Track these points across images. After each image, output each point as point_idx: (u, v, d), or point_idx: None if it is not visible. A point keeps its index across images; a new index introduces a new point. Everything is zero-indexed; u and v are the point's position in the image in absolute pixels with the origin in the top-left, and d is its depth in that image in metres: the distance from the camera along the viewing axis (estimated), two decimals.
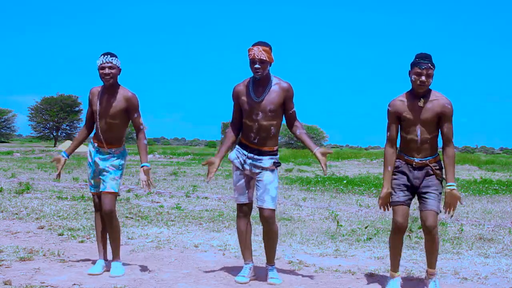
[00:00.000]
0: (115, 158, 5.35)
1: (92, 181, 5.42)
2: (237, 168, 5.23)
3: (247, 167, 5.16)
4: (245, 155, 5.16)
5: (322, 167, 5.15)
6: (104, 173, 5.30)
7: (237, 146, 5.28)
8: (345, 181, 17.97)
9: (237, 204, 5.29)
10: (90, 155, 5.42)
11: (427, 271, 5.00)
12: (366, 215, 9.91)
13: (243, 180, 5.22)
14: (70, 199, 10.81)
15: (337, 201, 12.44)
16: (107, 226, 5.34)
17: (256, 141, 5.13)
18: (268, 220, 5.07)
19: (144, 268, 5.52)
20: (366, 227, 8.31)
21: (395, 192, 4.87)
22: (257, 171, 5.12)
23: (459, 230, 8.15)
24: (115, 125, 5.32)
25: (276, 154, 5.22)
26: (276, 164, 5.15)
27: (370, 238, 7.43)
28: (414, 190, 4.89)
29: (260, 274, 5.33)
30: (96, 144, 5.38)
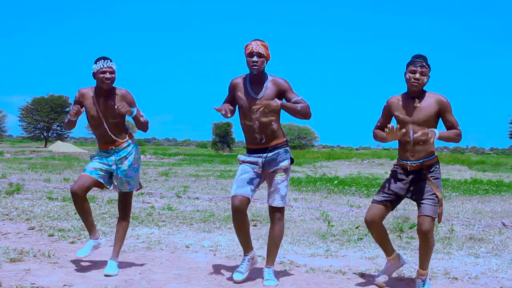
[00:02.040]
0: (133, 152, 5.43)
1: (98, 170, 5.34)
2: (247, 165, 5.15)
3: (260, 166, 5.12)
4: (260, 157, 5.12)
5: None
6: (127, 176, 5.41)
7: (246, 154, 5.22)
8: (336, 182, 18.00)
9: (232, 197, 5.08)
10: (109, 163, 5.39)
11: (418, 271, 5.03)
12: (357, 215, 9.92)
13: (247, 175, 5.10)
14: (60, 200, 10.76)
15: (328, 201, 12.45)
16: (120, 222, 5.52)
17: (264, 140, 5.10)
18: (276, 217, 5.17)
19: (135, 269, 5.51)
20: (357, 227, 8.32)
21: (379, 191, 5.08)
22: (271, 170, 5.10)
23: (450, 230, 8.17)
24: (119, 123, 5.38)
25: (288, 145, 5.22)
26: (291, 161, 5.17)
27: (361, 239, 7.45)
28: (403, 195, 5.00)
29: (258, 277, 5.34)
30: (112, 147, 5.38)
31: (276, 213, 5.16)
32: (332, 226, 8.31)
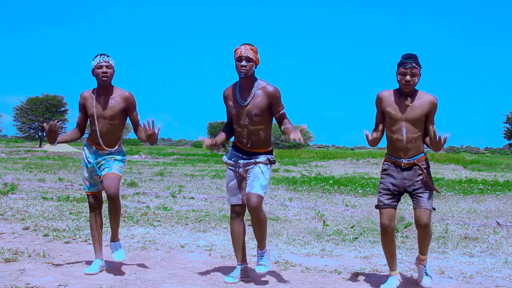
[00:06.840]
0: (115, 155, 5.39)
1: (88, 181, 5.45)
2: (231, 169, 5.24)
3: (241, 165, 5.17)
4: (240, 156, 5.19)
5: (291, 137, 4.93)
6: (106, 163, 5.33)
7: (231, 148, 5.31)
8: (331, 181, 18.01)
9: (230, 205, 5.30)
10: (87, 157, 5.43)
11: (418, 257, 5.09)
12: (352, 215, 9.94)
13: (235, 181, 5.21)
14: (55, 200, 10.75)
15: (323, 201, 12.46)
16: (110, 208, 5.29)
17: (249, 145, 5.16)
18: (254, 206, 4.97)
19: (130, 268, 5.51)
20: (352, 227, 8.33)
21: (381, 195, 4.96)
22: (250, 166, 5.13)
23: (444, 230, 8.18)
24: (114, 126, 5.33)
25: (271, 153, 5.24)
26: (271, 160, 5.18)
27: (356, 238, 7.45)
28: (403, 191, 4.95)
29: (253, 277, 5.32)
30: (94, 148, 5.37)
31: (255, 201, 4.97)
32: (327, 225, 8.31)
